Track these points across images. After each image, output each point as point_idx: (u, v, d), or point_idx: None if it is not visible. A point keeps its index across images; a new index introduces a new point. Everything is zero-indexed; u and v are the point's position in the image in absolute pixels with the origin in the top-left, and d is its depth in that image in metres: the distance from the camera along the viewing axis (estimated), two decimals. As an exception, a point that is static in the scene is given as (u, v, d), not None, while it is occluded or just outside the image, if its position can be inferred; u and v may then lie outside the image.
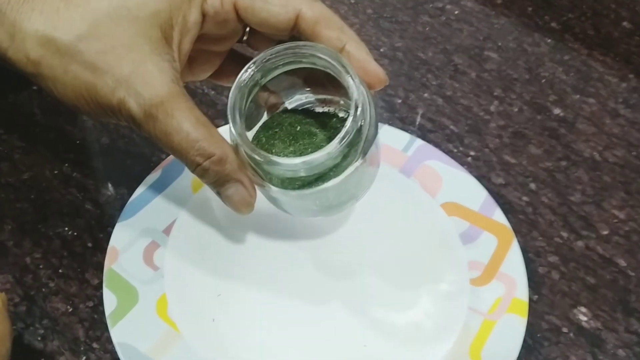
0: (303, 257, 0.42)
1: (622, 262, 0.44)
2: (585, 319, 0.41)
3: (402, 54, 0.57)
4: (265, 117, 0.36)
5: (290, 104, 0.37)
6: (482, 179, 0.48)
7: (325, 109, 0.36)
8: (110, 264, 0.40)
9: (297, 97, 0.37)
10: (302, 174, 0.32)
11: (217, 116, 0.50)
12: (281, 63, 0.33)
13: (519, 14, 0.62)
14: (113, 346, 0.37)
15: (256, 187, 0.35)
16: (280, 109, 0.37)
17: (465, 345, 0.38)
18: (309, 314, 0.40)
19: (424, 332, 0.39)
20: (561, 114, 0.53)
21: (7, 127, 0.50)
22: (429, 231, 0.44)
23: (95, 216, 0.45)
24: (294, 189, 0.33)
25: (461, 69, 0.56)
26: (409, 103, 0.53)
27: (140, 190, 0.44)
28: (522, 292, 0.40)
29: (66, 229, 0.44)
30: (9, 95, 0.52)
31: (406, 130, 0.49)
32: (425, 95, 0.54)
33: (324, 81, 0.36)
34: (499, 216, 0.44)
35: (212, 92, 0.52)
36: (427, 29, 0.60)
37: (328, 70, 0.33)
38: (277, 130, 0.35)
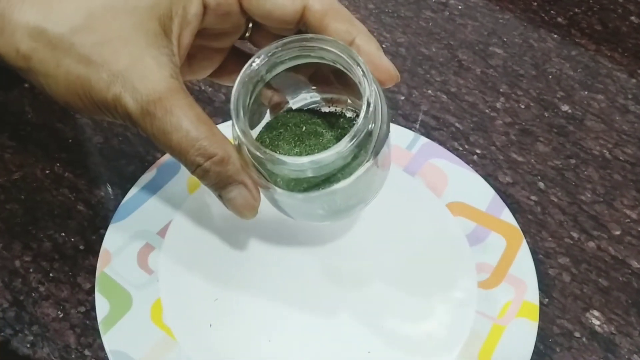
0: (303, 260, 0.41)
1: (635, 264, 0.43)
2: (598, 322, 0.40)
3: (404, 49, 0.56)
4: (268, 118, 0.35)
5: (294, 103, 0.35)
6: (489, 177, 0.46)
7: (332, 109, 0.35)
8: (103, 268, 0.39)
9: (302, 96, 0.35)
10: (310, 174, 0.30)
11: (214, 114, 0.49)
12: (287, 57, 0.32)
13: (524, 9, 0.60)
14: (106, 354, 0.36)
15: (260, 189, 0.33)
16: (285, 109, 0.35)
17: (474, 352, 0.37)
18: (309, 319, 0.38)
19: (431, 338, 0.38)
20: (569, 111, 0.52)
21: (-3, 125, 0.48)
22: (435, 232, 0.42)
23: (87, 217, 0.43)
24: (300, 191, 0.31)
25: (466, 65, 0.55)
26: (413, 100, 0.51)
27: (134, 190, 0.43)
28: (532, 295, 0.39)
29: (57, 231, 0.42)
30: (-1, 93, 0.50)
31: (410, 128, 0.48)
32: (429, 91, 0.52)
33: (330, 79, 0.34)
34: (507, 216, 0.42)
35: (210, 89, 0.51)
36: (430, 24, 0.58)
37: (337, 65, 0.31)
38: (281, 130, 0.34)
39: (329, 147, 0.30)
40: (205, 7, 0.33)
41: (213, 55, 0.37)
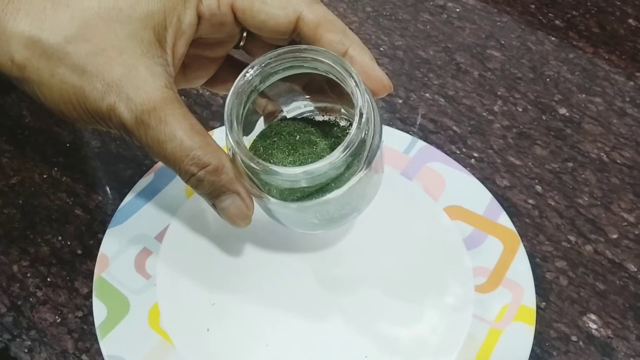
0: (301, 265, 0.41)
1: (633, 267, 0.42)
2: (595, 326, 0.40)
3: (402, 52, 0.56)
4: (262, 126, 0.35)
5: (288, 112, 0.35)
6: (486, 181, 0.46)
7: (326, 118, 0.35)
8: (100, 272, 0.39)
9: (295, 105, 0.35)
10: (303, 184, 0.31)
11: (212, 117, 0.49)
12: (281, 68, 0.32)
13: (521, 12, 0.60)
14: (103, 358, 0.36)
15: (253, 198, 0.33)
16: (279, 117, 0.35)
17: (470, 356, 0.37)
18: (306, 324, 0.38)
19: (427, 343, 0.38)
20: (567, 114, 0.52)
21: (-5, 130, 0.48)
22: (432, 236, 0.42)
23: (85, 222, 0.43)
24: (293, 200, 0.31)
25: (463, 68, 0.55)
26: (410, 103, 0.51)
27: (131, 195, 0.43)
28: (529, 299, 0.39)
29: (55, 235, 0.42)
30: (-3, 97, 0.50)
31: (407, 132, 0.48)
32: (427, 95, 0.52)
33: (324, 88, 0.34)
34: (504, 220, 0.42)
35: (207, 93, 0.51)
36: (427, 27, 0.58)
37: (330, 76, 0.31)
38: (275, 139, 0.34)
39: (323, 155, 0.30)
40: (199, 17, 0.33)
41: (208, 64, 0.37)
